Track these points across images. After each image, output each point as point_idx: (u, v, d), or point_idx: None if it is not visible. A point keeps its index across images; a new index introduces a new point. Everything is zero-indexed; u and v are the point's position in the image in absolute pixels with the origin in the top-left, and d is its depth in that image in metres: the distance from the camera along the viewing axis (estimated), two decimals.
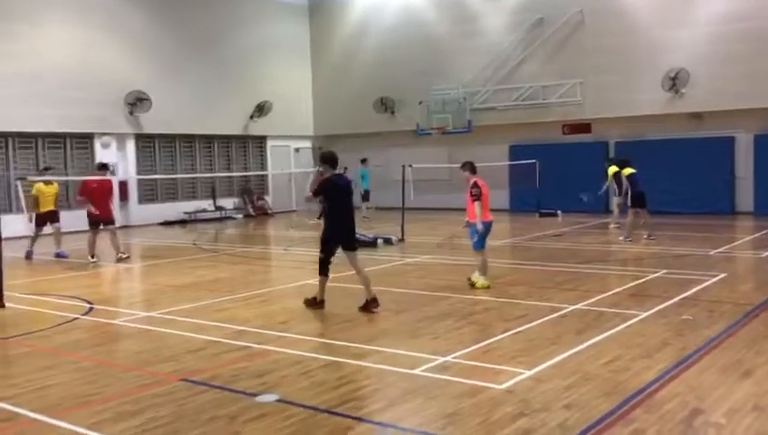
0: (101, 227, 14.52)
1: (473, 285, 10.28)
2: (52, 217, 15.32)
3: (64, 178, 20.85)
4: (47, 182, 15.25)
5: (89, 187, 14.40)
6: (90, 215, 14.28)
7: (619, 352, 6.80)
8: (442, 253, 14.12)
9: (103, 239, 14.85)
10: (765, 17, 19.60)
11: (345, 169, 15.53)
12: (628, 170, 15.77)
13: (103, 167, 15.21)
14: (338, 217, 8.88)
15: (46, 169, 16.89)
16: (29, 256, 15.11)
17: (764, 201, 20.23)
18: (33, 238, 15.28)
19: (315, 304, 9.09)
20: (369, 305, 8.80)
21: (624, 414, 5.20)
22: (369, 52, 26.96)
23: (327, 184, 8.87)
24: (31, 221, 15.13)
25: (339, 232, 8.91)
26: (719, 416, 5.13)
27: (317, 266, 9.10)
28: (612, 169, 16.87)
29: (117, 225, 15.40)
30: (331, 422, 5.21)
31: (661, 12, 21.15)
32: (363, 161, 23.35)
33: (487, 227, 10.40)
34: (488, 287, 10.19)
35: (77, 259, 14.85)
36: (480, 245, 10.35)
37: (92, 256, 14.22)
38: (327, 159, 9.00)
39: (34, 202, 15.09)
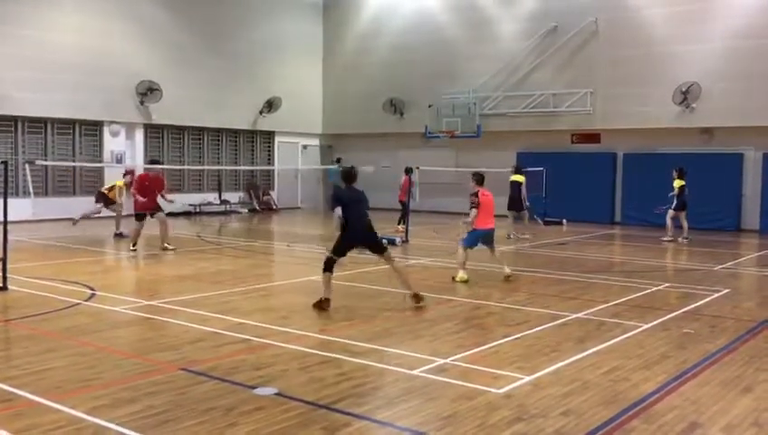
0: (150, 217, 14.57)
1: (453, 279, 11.00)
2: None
3: (71, 164, 20.98)
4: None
5: (141, 183, 14.58)
6: (135, 206, 14.47)
7: (619, 362, 6.79)
8: (445, 256, 14.10)
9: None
10: None
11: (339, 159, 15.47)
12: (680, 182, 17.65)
13: (154, 162, 15.41)
14: (349, 222, 9.13)
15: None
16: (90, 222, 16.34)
17: None
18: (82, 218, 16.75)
19: (322, 303, 9.00)
20: (413, 299, 9.25)
21: (621, 424, 5.19)
22: (381, 52, 26.95)
23: (338, 194, 9.50)
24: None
25: (352, 234, 9.15)
26: (717, 430, 5.12)
27: (322, 264, 9.12)
28: (680, 183, 17.71)
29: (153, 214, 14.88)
30: (328, 418, 5.22)
31: (676, 25, 21.07)
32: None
33: (487, 233, 11.28)
34: (466, 281, 10.90)
35: (85, 246, 14.90)
36: (468, 243, 11.18)
37: (133, 245, 14.28)
38: (343, 176, 9.49)
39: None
